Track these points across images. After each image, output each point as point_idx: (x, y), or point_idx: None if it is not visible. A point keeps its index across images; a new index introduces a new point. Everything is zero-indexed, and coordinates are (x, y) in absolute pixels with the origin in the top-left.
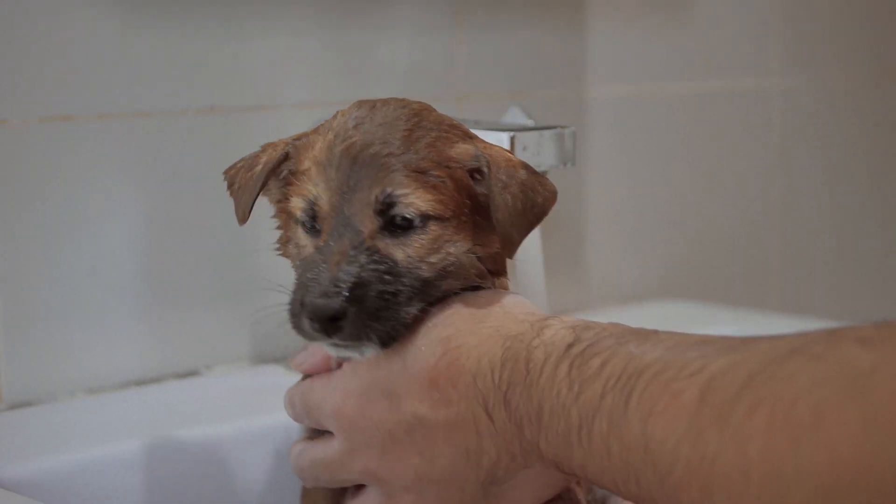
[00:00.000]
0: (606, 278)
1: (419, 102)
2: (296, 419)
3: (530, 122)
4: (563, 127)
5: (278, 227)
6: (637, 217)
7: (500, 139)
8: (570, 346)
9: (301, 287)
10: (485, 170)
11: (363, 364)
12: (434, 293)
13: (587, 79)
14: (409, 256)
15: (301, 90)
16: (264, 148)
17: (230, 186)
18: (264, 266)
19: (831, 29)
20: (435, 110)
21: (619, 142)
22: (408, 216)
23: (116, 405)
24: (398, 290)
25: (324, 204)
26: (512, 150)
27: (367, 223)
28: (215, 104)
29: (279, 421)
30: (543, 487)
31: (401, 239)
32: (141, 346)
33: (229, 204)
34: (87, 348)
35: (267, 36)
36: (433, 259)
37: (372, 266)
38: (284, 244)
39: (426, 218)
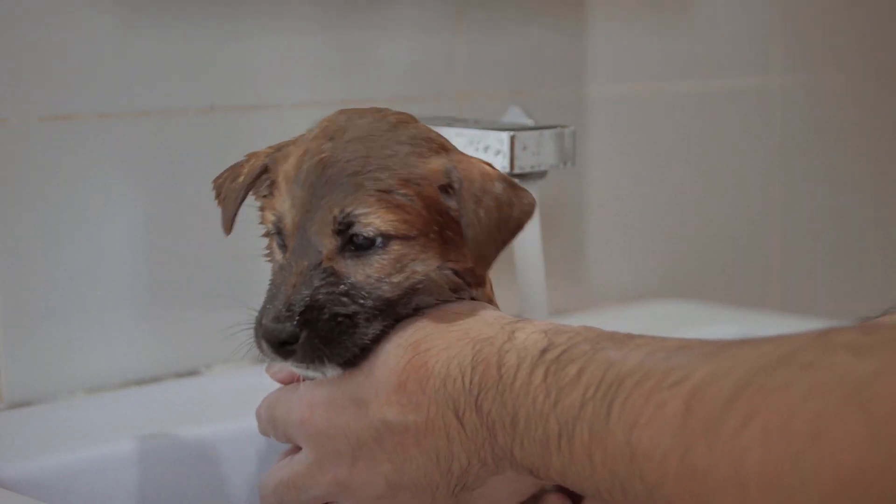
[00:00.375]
0: (606, 278)
1: (398, 114)
2: (262, 433)
3: (530, 122)
4: (562, 126)
5: (264, 235)
6: (637, 216)
7: (500, 138)
8: (543, 351)
9: (261, 309)
10: (456, 186)
11: (327, 381)
12: (402, 311)
13: (587, 78)
14: (368, 276)
15: (301, 90)
16: (248, 157)
17: (217, 196)
18: (264, 266)
19: (831, 29)
20: (414, 121)
21: (619, 141)
22: (367, 235)
23: (116, 405)
24: (355, 311)
25: (288, 222)
26: (512, 150)
27: (327, 243)
28: (215, 104)
29: None
30: (513, 494)
31: (361, 259)
32: (141, 346)
33: None
34: (87, 348)
35: (267, 35)
36: (396, 279)
37: (326, 289)
38: (269, 253)
39: (387, 237)
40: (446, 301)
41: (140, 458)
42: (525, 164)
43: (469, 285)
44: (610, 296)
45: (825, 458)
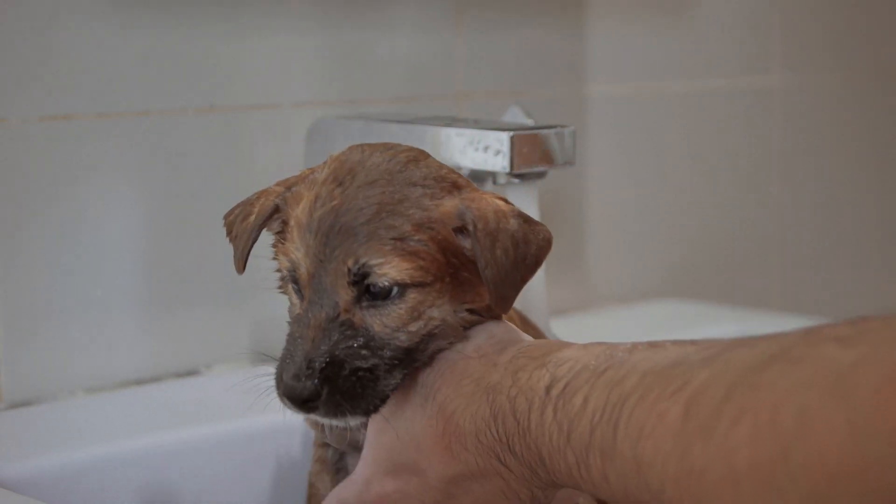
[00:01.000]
0: (607, 278)
1: (409, 151)
2: None
3: (530, 122)
4: (562, 126)
5: (277, 271)
6: (637, 216)
7: (500, 138)
8: (548, 388)
9: (281, 361)
10: (470, 227)
11: (376, 445)
12: (420, 358)
13: (587, 78)
14: (386, 326)
15: (301, 89)
16: (259, 195)
17: (228, 233)
18: (264, 266)
19: (831, 29)
20: (425, 157)
21: (619, 141)
22: (382, 286)
23: (116, 404)
24: (374, 364)
25: (303, 272)
26: (512, 150)
27: (343, 294)
28: (215, 103)
29: (278, 421)
30: None
31: (378, 309)
32: (140, 346)
33: (229, 204)
34: (87, 348)
35: (267, 35)
36: (413, 328)
37: (345, 343)
38: (284, 291)
39: (403, 286)
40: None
41: (140, 457)
42: (524, 164)
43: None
44: (610, 296)
45: (812, 453)
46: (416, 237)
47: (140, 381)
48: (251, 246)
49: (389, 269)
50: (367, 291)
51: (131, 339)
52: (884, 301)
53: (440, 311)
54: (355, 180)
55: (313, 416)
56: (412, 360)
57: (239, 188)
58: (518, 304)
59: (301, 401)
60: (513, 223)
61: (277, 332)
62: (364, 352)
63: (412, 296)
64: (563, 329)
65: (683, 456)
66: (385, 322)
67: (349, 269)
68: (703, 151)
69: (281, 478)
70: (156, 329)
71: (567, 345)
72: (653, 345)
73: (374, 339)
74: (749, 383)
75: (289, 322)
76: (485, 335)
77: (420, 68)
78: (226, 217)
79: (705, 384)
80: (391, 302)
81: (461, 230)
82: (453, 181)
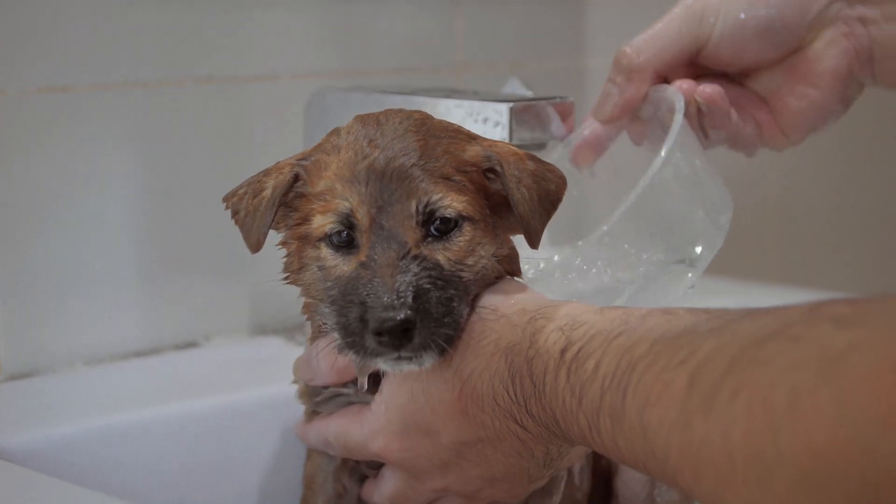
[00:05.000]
0: None
1: (417, 111)
2: (332, 452)
3: (529, 93)
4: (561, 98)
5: (287, 255)
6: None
7: (499, 110)
8: (563, 351)
9: (355, 306)
10: (498, 168)
11: (390, 405)
12: (468, 298)
13: (586, 50)
14: (450, 260)
15: (300, 60)
16: (267, 172)
17: (235, 214)
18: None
19: None
20: (431, 118)
21: None
22: (448, 216)
23: (115, 376)
24: (451, 294)
25: (362, 217)
26: (511, 122)
27: (411, 233)
28: (214, 74)
29: (277, 392)
30: None
31: (442, 244)
32: (140, 318)
33: (228, 175)
34: (86, 319)
35: (265, 6)
36: (470, 261)
37: (425, 274)
38: (296, 271)
39: (462, 219)
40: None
41: (139, 429)
42: (524, 135)
43: (507, 274)
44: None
45: (799, 432)
46: (458, 177)
47: (139, 353)
48: (271, 220)
49: (452, 202)
50: (430, 229)
51: (130, 310)
52: (883, 274)
53: (486, 250)
54: (385, 136)
55: (398, 354)
56: (468, 297)
57: (238, 159)
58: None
59: (400, 330)
60: (530, 164)
61: (276, 304)
62: (440, 282)
63: (468, 229)
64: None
65: (686, 427)
66: (449, 256)
67: (417, 209)
68: None
69: (281, 449)
70: (155, 301)
71: (584, 308)
72: (666, 311)
73: (444, 272)
74: (749, 358)
75: (316, 290)
76: (501, 295)
77: (419, 40)
78: (227, 199)
79: (709, 356)
80: (453, 235)
81: (489, 171)
82: (467, 133)
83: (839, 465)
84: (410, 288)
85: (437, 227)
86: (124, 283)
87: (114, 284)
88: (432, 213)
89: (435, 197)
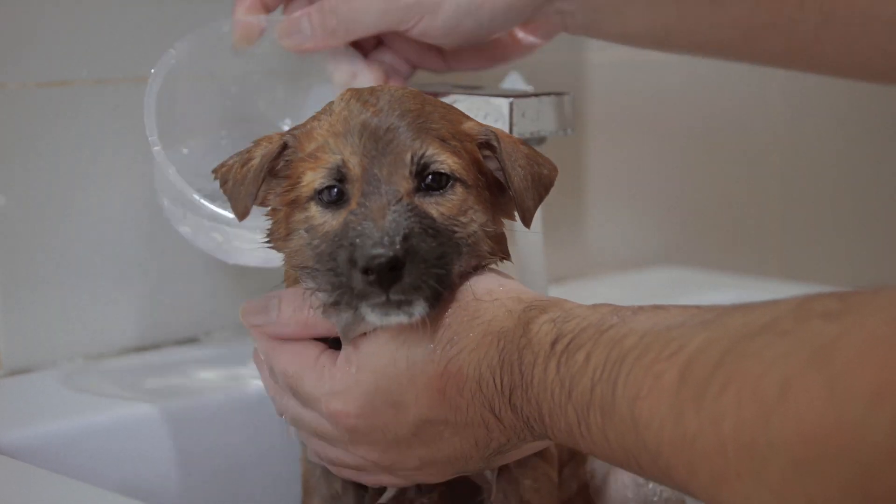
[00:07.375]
0: (606, 245)
1: (407, 87)
2: (270, 392)
3: (529, 88)
4: (562, 93)
5: (275, 222)
6: (636, 183)
7: (500, 105)
8: (553, 343)
9: (344, 249)
10: (494, 143)
11: (363, 366)
12: (460, 261)
13: (586, 45)
14: (442, 214)
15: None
16: (257, 143)
17: (224, 184)
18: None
19: None
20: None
21: (619, 108)
22: (442, 171)
23: (115, 371)
24: (444, 249)
25: (354, 166)
26: (511, 116)
27: (403, 183)
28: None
29: None
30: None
31: (434, 198)
32: (140, 313)
33: None
34: (86, 314)
35: None
36: (463, 219)
37: (417, 221)
38: (282, 238)
39: (455, 180)
40: (478, 268)
41: (139, 424)
42: (524, 130)
43: (496, 255)
44: (609, 263)
45: (790, 419)
46: (453, 142)
47: (139, 348)
48: (259, 187)
49: (446, 159)
50: (423, 184)
51: (130, 305)
52: (880, 268)
53: (478, 216)
54: (381, 99)
55: (385, 298)
56: (460, 259)
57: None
58: (517, 272)
59: (388, 268)
60: (524, 148)
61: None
62: (432, 231)
63: (460, 190)
64: (562, 296)
65: (678, 421)
66: (442, 210)
67: (412, 159)
68: (703, 118)
69: (280, 445)
70: (155, 296)
71: (577, 303)
72: (658, 307)
73: (436, 224)
74: (739, 351)
75: (301, 254)
76: (495, 282)
77: None
78: (217, 170)
79: (700, 349)
80: (445, 192)
81: (485, 147)
82: (461, 111)
83: (831, 450)
84: (402, 230)
85: (430, 183)
86: (124, 278)
87: (114, 279)
88: (426, 165)
89: (430, 151)
